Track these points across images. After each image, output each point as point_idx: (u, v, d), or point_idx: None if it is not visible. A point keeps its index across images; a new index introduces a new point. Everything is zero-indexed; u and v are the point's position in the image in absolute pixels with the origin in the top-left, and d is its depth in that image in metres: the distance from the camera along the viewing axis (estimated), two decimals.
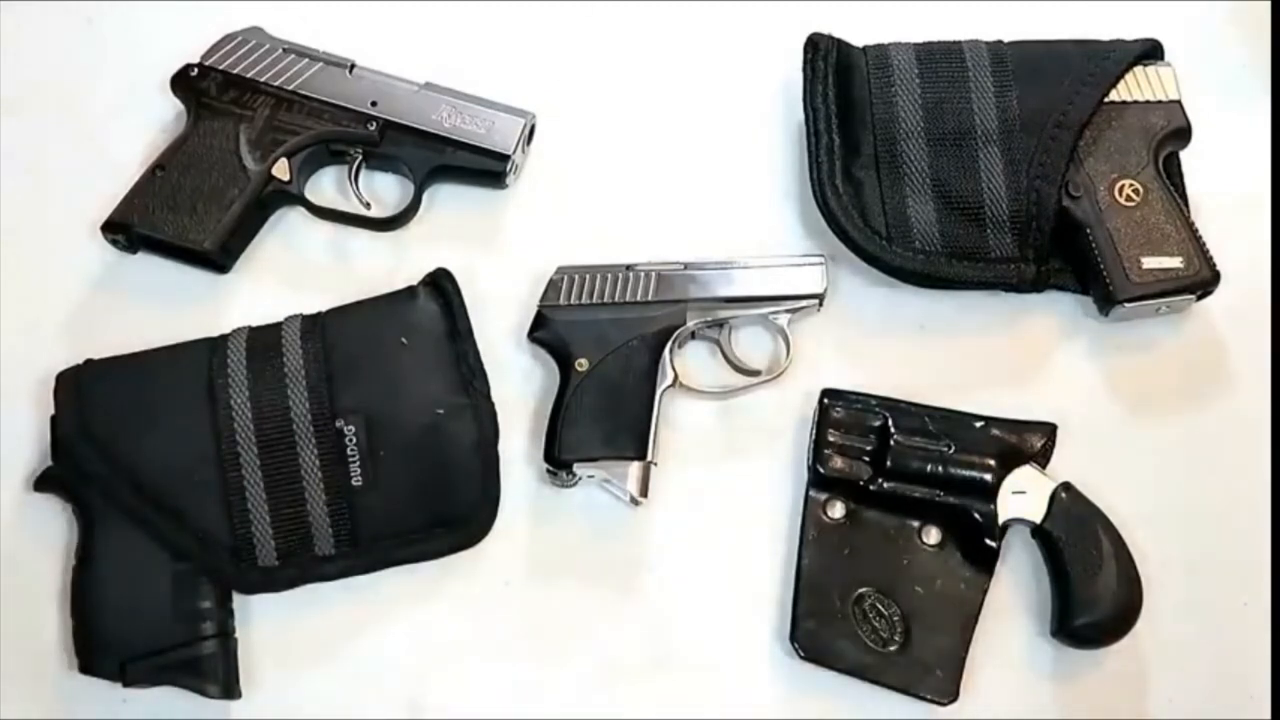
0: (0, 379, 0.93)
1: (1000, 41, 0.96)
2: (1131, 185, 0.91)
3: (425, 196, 0.98)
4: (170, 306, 0.95)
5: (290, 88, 0.97)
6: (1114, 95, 0.93)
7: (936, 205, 0.91)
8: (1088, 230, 0.90)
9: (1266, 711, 0.85)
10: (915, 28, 0.99)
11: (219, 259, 0.94)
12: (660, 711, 0.86)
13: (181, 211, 0.93)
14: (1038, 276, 0.91)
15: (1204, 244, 0.90)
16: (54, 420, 0.86)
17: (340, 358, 0.87)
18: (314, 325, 0.88)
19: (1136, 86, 0.94)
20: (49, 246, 0.97)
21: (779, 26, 1.03)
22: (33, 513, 0.88)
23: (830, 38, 0.97)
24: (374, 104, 0.97)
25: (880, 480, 0.87)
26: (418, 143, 0.96)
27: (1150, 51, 0.95)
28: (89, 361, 0.88)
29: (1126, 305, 0.90)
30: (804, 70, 0.96)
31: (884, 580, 0.87)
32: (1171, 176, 0.94)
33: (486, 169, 0.96)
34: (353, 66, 0.98)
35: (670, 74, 1.04)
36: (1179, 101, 0.93)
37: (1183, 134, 0.93)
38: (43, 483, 0.85)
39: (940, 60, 0.95)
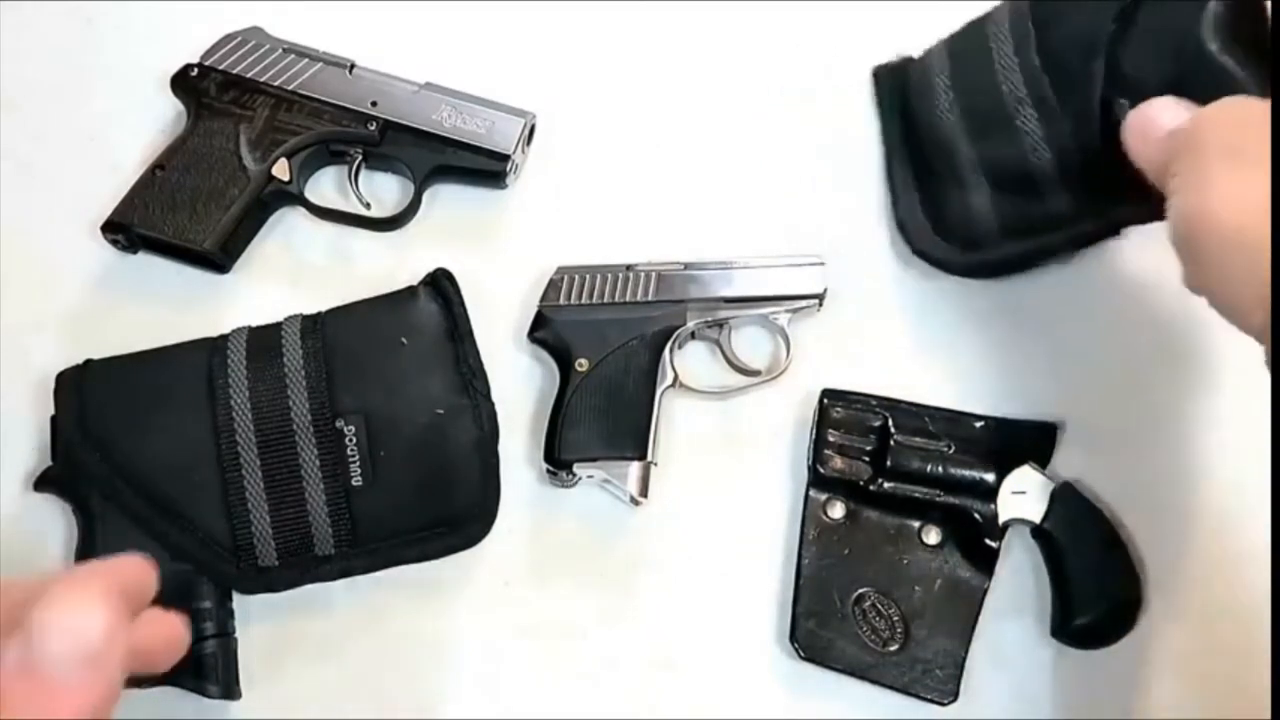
0: (0, 379, 0.93)
1: None
2: None
3: (425, 196, 0.98)
4: (170, 306, 0.95)
5: (290, 88, 0.97)
6: None
7: (992, 192, 0.87)
8: None
9: (1266, 712, 0.85)
10: (918, 27, 0.99)
11: (219, 259, 0.94)
12: (660, 711, 0.86)
13: (181, 211, 0.93)
14: (1106, 224, 0.84)
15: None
16: (54, 420, 0.86)
17: (340, 358, 0.87)
18: (314, 325, 0.88)
19: None
20: (49, 246, 0.97)
21: (779, 27, 1.03)
22: (33, 513, 0.88)
23: (889, 67, 0.96)
24: (374, 104, 0.97)
25: (880, 480, 0.87)
26: (418, 143, 0.96)
27: None
28: (89, 361, 0.88)
29: None
30: (877, 107, 0.96)
31: (884, 580, 0.87)
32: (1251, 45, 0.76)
33: (486, 169, 0.96)
34: (353, 66, 0.98)
35: (671, 74, 1.04)
36: None
37: None
38: (43, 483, 0.85)
39: (966, 43, 0.91)
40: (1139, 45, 0.77)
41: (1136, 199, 0.75)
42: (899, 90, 0.95)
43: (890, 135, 0.95)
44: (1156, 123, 0.72)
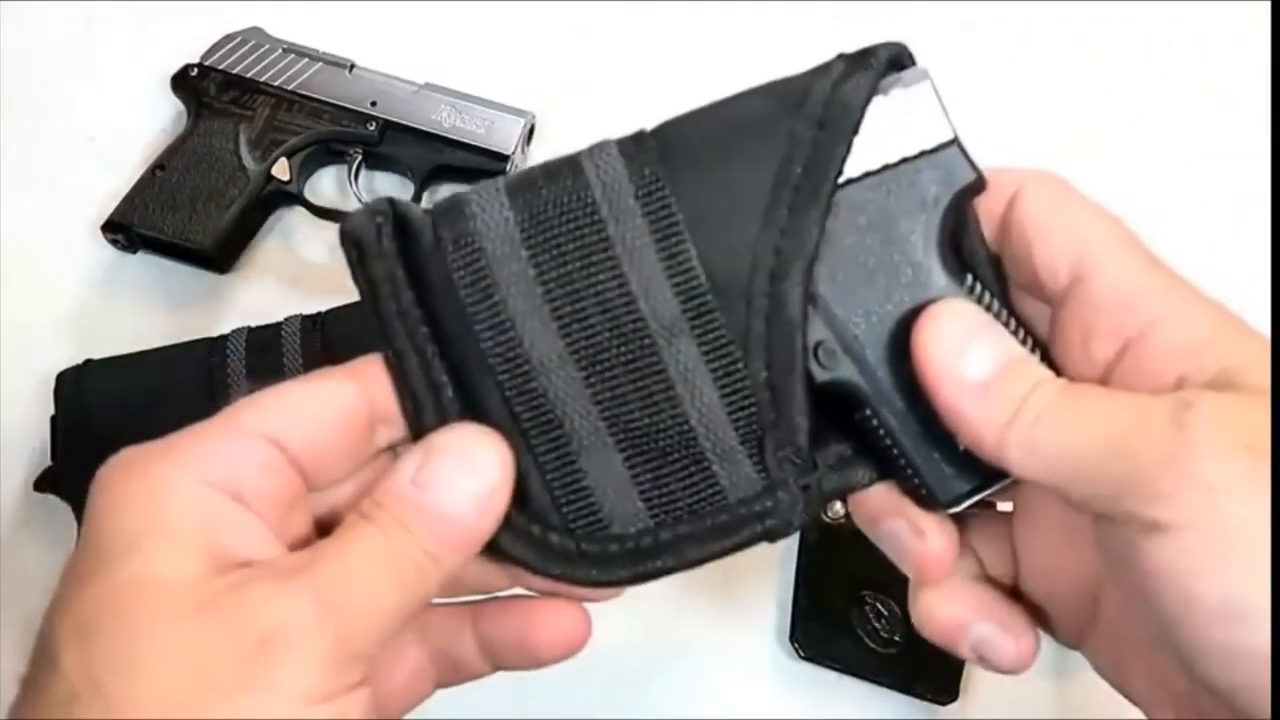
0: (0, 379, 0.93)
1: (642, 135, 0.51)
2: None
3: (425, 196, 0.98)
4: (170, 306, 0.95)
5: (290, 88, 0.97)
6: (852, 168, 0.47)
7: (627, 456, 0.49)
8: (867, 408, 0.48)
9: (1266, 712, 0.85)
10: (924, 30, 0.99)
11: (219, 259, 0.94)
12: (660, 711, 0.86)
13: (181, 211, 0.93)
14: (807, 501, 0.50)
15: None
16: (54, 420, 0.86)
17: (341, 358, 0.86)
18: (314, 325, 0.88)
19: (883, 140, 0.48)
20: (49, 246, 0.97)
21: (780, 27, 1.03)
22: (33, 513, 0.88)
23: (382, 215, 0.50)
24: (374, 104, 0.97)
25: None
26: (418, 143, 0.96)
27: (889, 64, 0.52)
28: (89, 361, 0.88)
29: (963, 506, 0.49)
30: (355, 277, 0.53)
31: (884, 580, 0.87)
32: (967, 256, 0.49)
33: (486, 169, 0.96)
34: (353, 66, 0.98)
35: (671, 74, 1.04)
36: (956, 140, 0.47)
37: (973, 190, 0.48)
38: (43, 483, 0.85)
39: (562, 211, 0.47)
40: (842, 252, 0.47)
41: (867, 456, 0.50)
42: (415, 276, 0.52)
43: (384, 306, 0.54)
44: (951, 369, 0.44)
